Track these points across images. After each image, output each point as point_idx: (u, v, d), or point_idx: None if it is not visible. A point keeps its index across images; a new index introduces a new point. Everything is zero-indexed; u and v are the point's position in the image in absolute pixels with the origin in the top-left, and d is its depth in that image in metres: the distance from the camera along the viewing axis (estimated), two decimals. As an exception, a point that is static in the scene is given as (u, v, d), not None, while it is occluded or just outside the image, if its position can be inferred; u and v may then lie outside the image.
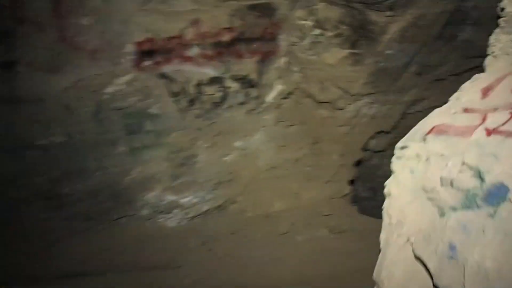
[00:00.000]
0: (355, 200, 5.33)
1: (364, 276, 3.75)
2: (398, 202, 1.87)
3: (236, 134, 4.58)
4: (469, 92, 2.06)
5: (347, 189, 5.05)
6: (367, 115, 5.55)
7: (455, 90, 5.92)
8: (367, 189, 7.37)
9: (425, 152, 1.88)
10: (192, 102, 4.11)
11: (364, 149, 5.83)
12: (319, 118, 5.35)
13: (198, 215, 4.39)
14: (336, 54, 4.65)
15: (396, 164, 2.01)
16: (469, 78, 5.94)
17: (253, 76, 4.51)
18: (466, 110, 1.95)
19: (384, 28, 4.41)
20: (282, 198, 4.68)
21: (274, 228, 4.35)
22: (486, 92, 1.94)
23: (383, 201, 6.09)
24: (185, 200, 4.29)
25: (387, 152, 7.10)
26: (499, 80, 1.94)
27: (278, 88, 4.83)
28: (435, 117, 2.01)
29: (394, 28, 4.47)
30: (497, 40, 2.20)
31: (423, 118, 6.39)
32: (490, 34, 5.23)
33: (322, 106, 5.29)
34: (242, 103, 4.53)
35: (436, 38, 5.04)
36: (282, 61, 4.74)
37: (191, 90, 4.07)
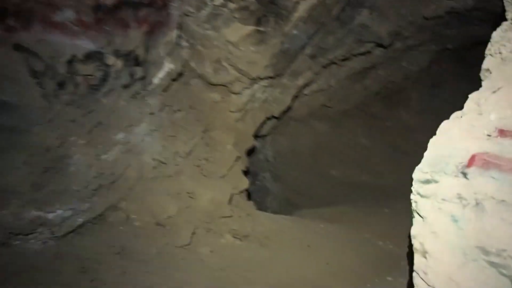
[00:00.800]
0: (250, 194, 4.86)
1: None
2: (442, 265, 1.36)
3: (118, 125, 3.64)
4: (492, 105, 1.63)
5: (244, 183, 4.51)
6: (260, 99, 5.07)
7: (345, 75, 5.57)
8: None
9: (471, 193, 1.39)
10: (62, 85, 3.04)
11: (256, 136, 5.36)
12: (210, 102, 4.66)
13: (71, 232, 3.37)
14: (238, 31, 3.99)
15: (423, 205, 1.49)
16: (361, 63, 5.64)
17: (139, 51, 3.59)
18: (504, 133, 1.52)
19: (296, 5, 3.88)
20: (176, 200, 3.92)
21: (171, 239, 3.59)
22: (523, 109, 1.54)
23: (262, 186, 5.50)
24: (54, 214, 3.23)
25: (268, 137, 6.75)
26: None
27: (167, 67, 3.98)
28: (464, 140, 1.54)
29: (304, 6, 3.98)
30: (506, 39, 1.80)
31: (308, 102, 5.98)
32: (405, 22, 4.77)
33: (214, 89, 4.60)
34: (125, 86, 3.60)
35: (334, 19, 4.74)
36: (173, 34, 3.89)
37: (61, 69, 3.00)
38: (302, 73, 5.21)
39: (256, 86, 4.71)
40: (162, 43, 3.81)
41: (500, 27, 1.84)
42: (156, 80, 3.93)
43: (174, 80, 4.16)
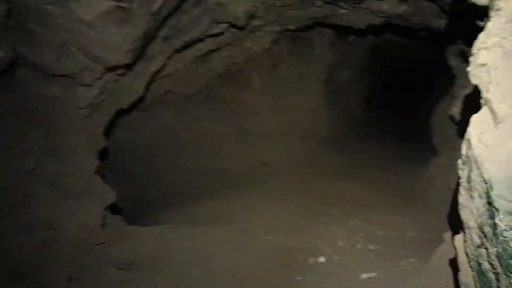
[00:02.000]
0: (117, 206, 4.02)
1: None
2: None
3: None
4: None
5: (111, 195, 3.70)
6: (109, 89, 4.21)
7: (191, 58, 5.12)
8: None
9: None
10: None
11: (106, 134, 4.49)
12: (49, 98, 3.63)
13: None
14: (94, 7, 3.11)
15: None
16: (208, 45, 5.24)
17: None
18: None
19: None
20: (31, 236, 2.91)
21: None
22: None
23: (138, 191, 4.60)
24: None
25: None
26: None
27: (-8, 55, 2.87)
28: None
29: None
30: (508, 31, 1.64)
31: (153, 88, 5.38)
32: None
33: (55, 81, 3.59)
34: None
35: (189, -4, 4.19)
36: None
37: None
38: (155, 58, 4.52)
39: (108, 75, 3.85)
40: (-15, 21, 2.70)
41: (497, 18, 1.67)
42: (-22, 75, 2.80)
43: (1, 73, 3.04)
